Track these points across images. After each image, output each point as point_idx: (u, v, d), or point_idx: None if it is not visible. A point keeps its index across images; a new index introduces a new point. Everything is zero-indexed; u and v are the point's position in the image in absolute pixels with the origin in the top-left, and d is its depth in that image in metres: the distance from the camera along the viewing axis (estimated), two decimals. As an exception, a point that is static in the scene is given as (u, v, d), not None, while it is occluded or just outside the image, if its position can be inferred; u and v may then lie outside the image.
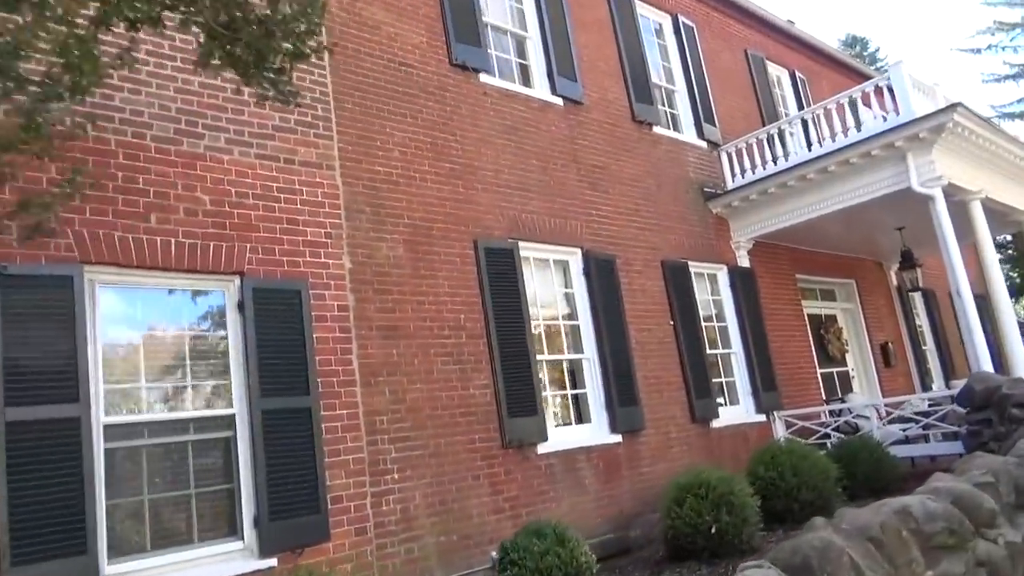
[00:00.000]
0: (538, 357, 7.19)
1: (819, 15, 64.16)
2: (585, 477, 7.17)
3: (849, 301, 12.68)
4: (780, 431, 9.66)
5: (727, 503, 5.90)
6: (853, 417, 9.22)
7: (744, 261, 10.21)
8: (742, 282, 9.98)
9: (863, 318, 12.56)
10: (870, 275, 13.08)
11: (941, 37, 63.72)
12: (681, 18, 10.80)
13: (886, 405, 9.74)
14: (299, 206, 5.80)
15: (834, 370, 11.81)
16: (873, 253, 12.94)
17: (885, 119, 8.85)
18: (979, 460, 5.18)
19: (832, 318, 12.19)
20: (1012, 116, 32.77)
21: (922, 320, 14.41)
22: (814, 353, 11.29)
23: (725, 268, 9.96)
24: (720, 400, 9.36)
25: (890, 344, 12.65)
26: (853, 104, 9.31)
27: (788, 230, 10.26)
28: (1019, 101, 33.33)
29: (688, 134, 10.33)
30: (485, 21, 8.01)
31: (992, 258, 9.13)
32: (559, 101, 8.45)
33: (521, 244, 7.41)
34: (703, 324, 9.42)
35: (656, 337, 8.50)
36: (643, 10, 10.31)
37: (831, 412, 9.78)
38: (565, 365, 7.73)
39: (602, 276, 8.07)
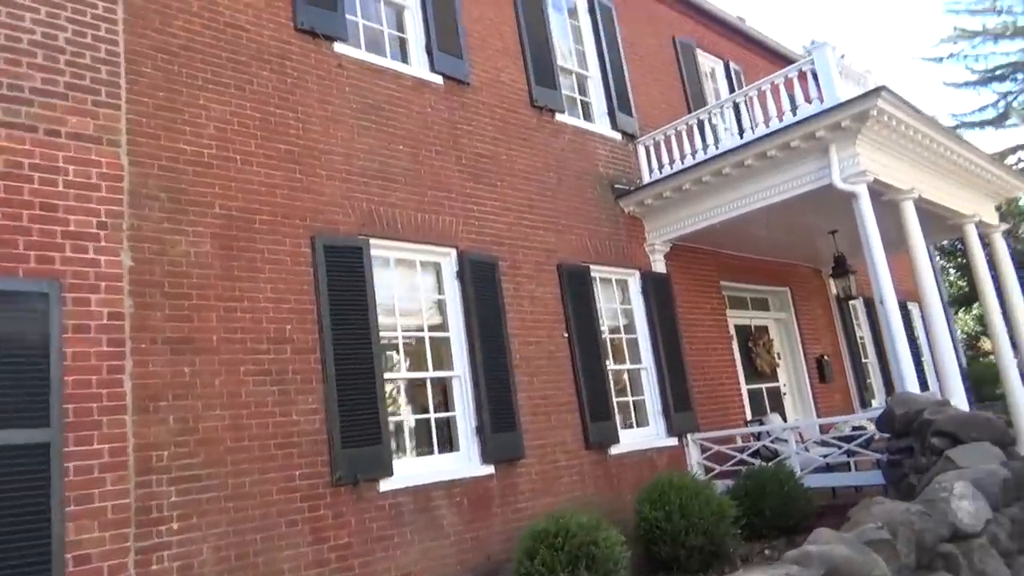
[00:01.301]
0: (388, 375, 6.11)
1: (783, 23, 64.17)
2: (444, 517, 6.08)
3: (783, 311, 11.78)
4: (694, 456, 8.67)
5: (588, 555, 4.86)
6: (772, 441, 8.26)
7: (659, 266, 9.22)
8: (656, 289, 8.99)
9: (798, 329, 11.66)
10: (807, 283, 12.20)
11: (905, 46, 63.95)
12: (597, -3, 9.82)
13: (809, 426, 8.81)
14: (61, 188, 4.69)
15: (763, 386, 10.89)
16: (810, 259, 12.05)
17: (810, 105, 7.91)
18: (877, 508, 4.20)
19: (763, 329, 11.28)
20: (973, 125, 32.44)
21: (864, 332, 13.59)
22: (740, 368, 10.35)
23: (637, 273, 8.96)
24: (627, 422, 8.38)
25: (826, 358, 11.77)
26: (776, 91, 8.38)
27: (708, 232, 9.29)
28: (980, 110, 33.08)
29: (600, 124, 9.33)
30: (347, -17, 6.94)
31: (924, 265, 8.22)
32: (438, 80, 7.39)
33: (376, 242, 6.33)
34: (608, 336, 8.43)
35: (546, 351, 7.46)
36: (551, -14, 9.33)
37: (752, 435, 8.82)
38: (430, 384, 6.66)
39: (480, 280, 7.01)
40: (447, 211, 7.03)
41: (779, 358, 11.38)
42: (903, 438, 6.51)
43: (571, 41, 9.52)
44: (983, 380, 11.15)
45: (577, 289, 7.97)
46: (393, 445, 6.01)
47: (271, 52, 6.15)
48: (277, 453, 5.26)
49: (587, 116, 9.36)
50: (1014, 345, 11.15)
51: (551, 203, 8.13)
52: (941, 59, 33.90)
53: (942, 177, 9.28)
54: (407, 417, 6.37)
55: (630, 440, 8.10)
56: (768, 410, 10.78)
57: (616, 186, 9.05)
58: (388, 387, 6.15)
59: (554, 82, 8.65)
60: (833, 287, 12.14)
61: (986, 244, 11.41)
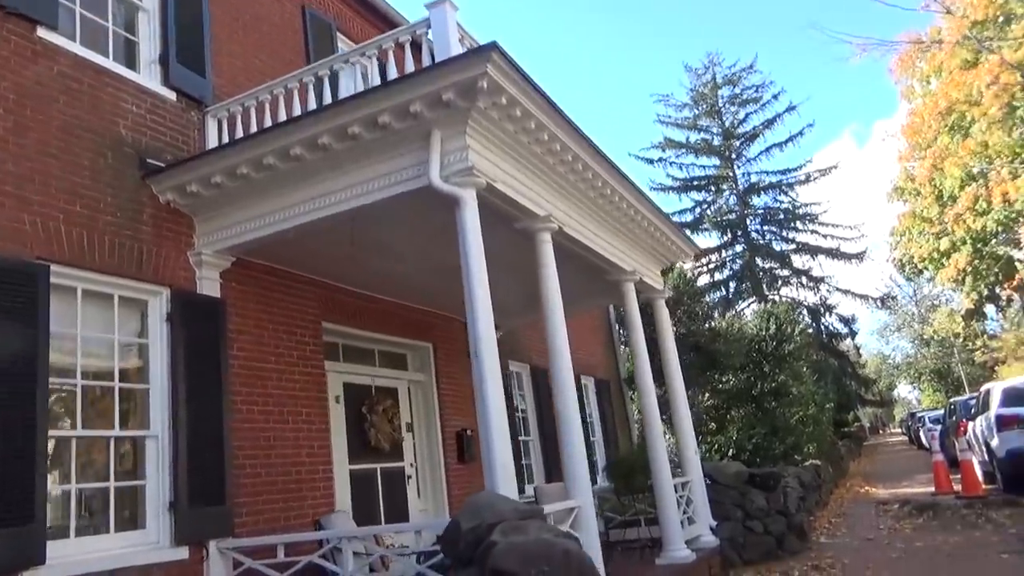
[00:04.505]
0: None
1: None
2: None
3: (422, 371, 9.42)
4: (219, 576, 5.68)
5: None
6: (322, 554, 5.53)
7: (210, 287, 6.30)
8: (195, 320, 6.04)
9: (437, 395, 9.33)
10: (457, 339, 9.97)
11: (622, 142, 69.87)
12: (177, -89, 6.99)
13: (386, 532, 6.28)
14: None
15: (378, 466, 8.28)
16: (462, 309, 9.89)
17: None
18: None
19: (388, 392, 8.75)
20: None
21: (527, 404, 11.76)
22: (340, 441, 7.68)
23: (165, 293, 5.95)
24: (93, 524, 5.21)
25: (469, 432, 9.51)
26: (384, 58, 6.09)
27: (309, 252, 6.74)
28: (680, 213, 35.52)
29: (143, 74, 6.37)
30: None
31: (556, 314, 6.24)
32: None
33: None
34: (83, 383, 5.29)
35: None
36: None
37: (318, 543, 6.02)
38: None
39: None
40: None
41: (407, 430, 8.90)
42: (467, 567, 4.09)
43: (117, -50, 6.55)
44: (637, 468, 9.56)
45: (5, 299, 4.74)
46: None
47: None
48: None
49: (131, 62, 6.36)
50: (674, 429, 9.83)
51: (-14, 154, 4.92)
52: (652, 161, 36.27)
53: (594, 216, 7.57)
54: None
55: (83, 555, 4.90)
56: (380, 500, 8.18)
57: (148, 161, 6.07)
58: None
59: (49, -16, 5.56)
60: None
61: (649, 312, 10.15)
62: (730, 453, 14.09)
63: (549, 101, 5.69)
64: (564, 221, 6.71)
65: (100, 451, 5.37)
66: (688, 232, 34.27)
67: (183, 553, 5.51)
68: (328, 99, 6.03)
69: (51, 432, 4.88)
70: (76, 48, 5.75)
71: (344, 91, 6.14)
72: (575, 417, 6.08)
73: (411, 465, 8.85)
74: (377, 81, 5.99)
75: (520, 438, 11.07)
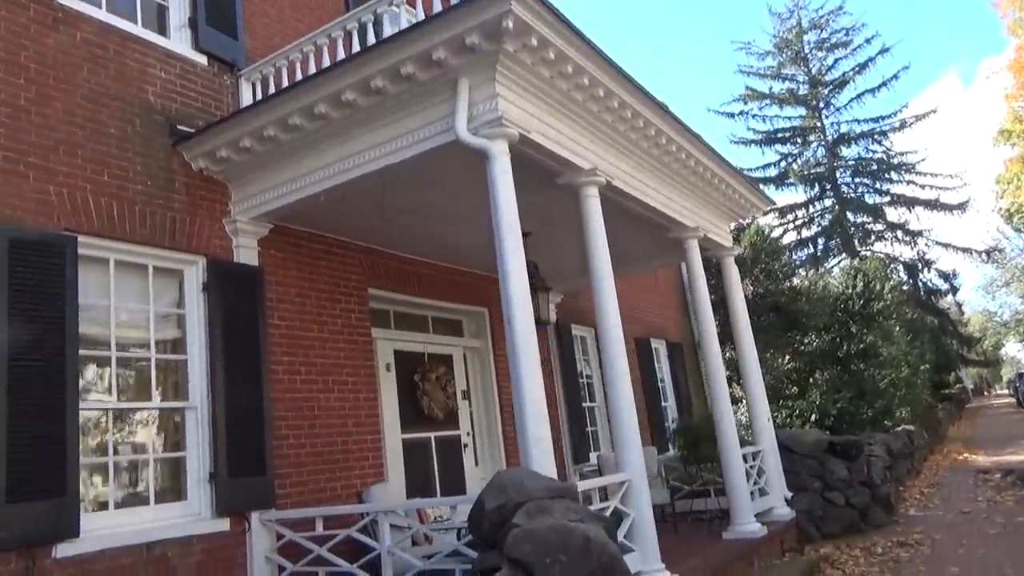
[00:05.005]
0: None
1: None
2: None
3: (478, 337, 9.16)
4: (261, 548, 5.60)
5: None
6: (360, 527, 5.36)
7: (247, 255, 6.16)
8: (230, 289, 5.91)
9: (494, 362, 9.06)
10: (514, 305, 9.65)
11: (701, 97, 67.41)
12: None
13: (426, 506, 6.06)
14: None
15: (432, 435, 8.10)
16: (520, 275, 9.54)
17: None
18: None
19: (441, 360, 8.53)
20: (757, 181, 32.81)
21: (592, 370, 11.37)
22: (391, 410, 7.53)
23: (201, 263, 5.84)
24: (134, 495, 5.19)
25: (528, 400, 9.22)
26: (412, 3, 5.72)
27: (346, 216, 6.55)
28: (763, 167, 33.83)
29: (174, 39, 6.21)
30: None
31: (604, 271, 5.81)
32: None
33: None
34: (118, 355, 5.25)
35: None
36: None
37: (359, 516, 5.87)
38: None
39: None
40: None
41: (462, 398, 8.68)
42: (492, 549, 3.80)
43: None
44: (704, 436, 9.08)
45: (32, 272, 4.69)
46: None
47: None
48: None
49: (159, 27, 6.22)
50: (746, 395, 9.25)
51: (9, 122, 4.85)
52: (733, 115, 34.55)
53: (649, 169, 7.04)
54: None
55: (120, 527, 4.88)
56: (436, 470, 8.02)
57: (180, 128, 5.92)
58: None
59: (67, -54, 5.42)
60: (553, 311, 9.75)
61: (717, 271, 9.55)
62: (812, 419, 13.34)
63: (587, 41, 5.20)
64: (613, 174, 6.23)
65: (139, 423, 5.34)
66: (772, 187, 32.72)
67: (224, 525, 5.45)
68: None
69: (86, 405, 4.85)
70: (100, 14, 5.62)
71: (371, 43, 5.80)
72: (625, 383, 5.69)
73: (467, 433, 8.65)
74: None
75: (585, 404, 10.74)
